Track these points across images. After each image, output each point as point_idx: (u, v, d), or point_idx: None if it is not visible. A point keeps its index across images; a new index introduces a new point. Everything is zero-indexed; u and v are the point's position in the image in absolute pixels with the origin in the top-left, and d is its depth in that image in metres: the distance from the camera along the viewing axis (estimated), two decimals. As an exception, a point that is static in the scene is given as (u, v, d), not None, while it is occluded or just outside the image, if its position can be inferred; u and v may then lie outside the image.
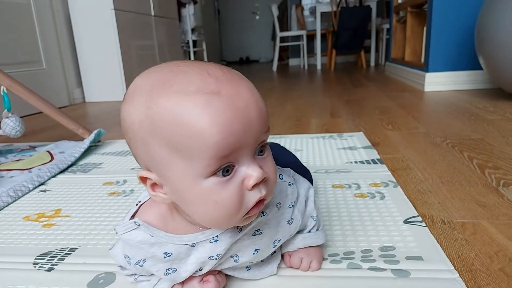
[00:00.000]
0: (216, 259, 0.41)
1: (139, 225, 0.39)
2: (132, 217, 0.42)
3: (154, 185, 0.37)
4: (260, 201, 0.36)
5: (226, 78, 0.33)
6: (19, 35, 2.00)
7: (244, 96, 0.33)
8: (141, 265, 0.41)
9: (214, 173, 0.33)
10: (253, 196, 0.35)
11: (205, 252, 0.41)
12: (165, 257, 0.40)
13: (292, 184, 0.46)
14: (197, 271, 0.43)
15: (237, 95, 0.32)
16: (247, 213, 0.35)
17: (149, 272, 0.44)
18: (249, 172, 0.34)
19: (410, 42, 2.55)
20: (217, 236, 0.40)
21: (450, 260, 0.51)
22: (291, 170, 0.49)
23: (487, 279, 0.47)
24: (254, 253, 0.44)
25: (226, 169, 0.33)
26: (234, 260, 0.43)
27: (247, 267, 0.47)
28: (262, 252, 0.45)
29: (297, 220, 0.47)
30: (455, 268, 0.49)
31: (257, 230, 0.43)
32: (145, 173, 0.36)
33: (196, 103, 0.31)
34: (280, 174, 0.46)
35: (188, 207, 0.36)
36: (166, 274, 0.42)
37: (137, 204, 0.43)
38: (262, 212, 0.42)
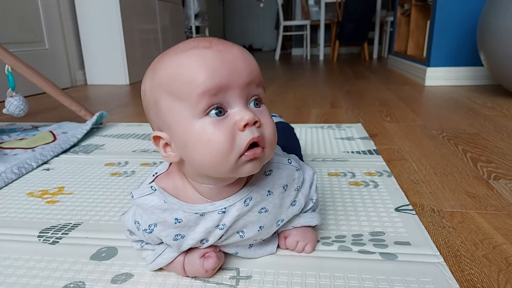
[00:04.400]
0: (222, 228, 0.44)
1: (155, 190, 0.43)
2: None
3: (165, 145, 0.41)
4: (256, 147, 0.38)
5: (220, 41, 0.39)
6: (22, 13, 2.00)
7: (233, 51, 0.38)
8: (151, 231, 0.44)
9: (206, 114, 0.37)
10: (246, 136, 0.37)
11: (212, 222, 0.44)
12: (175, 223, 0.43)
13: (299, 170, 0.49)
14: (202, 241, 0.45)
15: (226, 50, 0.37)
16: (242, 156, 0.37)
17: (155, 241, 0.46)
18: (240, 114, 0.37)
19: (413, 36, 2.55)
20: (225, 208, 0.43)
21: (436, 246, 0.53)
22: (297, 157, 0.52)
23: (470, 264, 0.49)
24: (258, 230, 0.46)
25: (219, 110, 0.37)
26: (240, 236, 0.46)
27: (249, 244, 0.50)
28: (265, 230, 0.47)
29: (300, 203, 0.49)
30: (440, 254, 0.51)
31: (263, 208, 0.45)
32: (157, 132, 0.41)
33: (190, 55, 0.37)
34: (288, 159, 0.49)
35: (189, 155, 0.39)
36: (174, 240, 0.44)
37: (153, 175, 0.46)
38: (269, 191, 0.45)
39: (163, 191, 0.43)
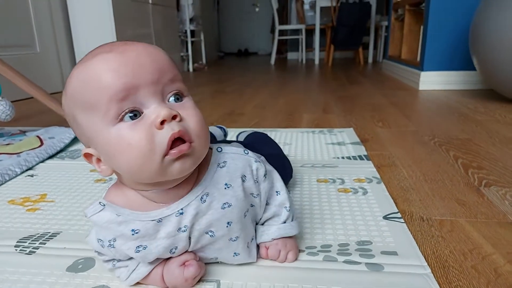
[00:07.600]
0: (184, 231, 0.43)
1: (104, 205, 0.41)
2: None
3: (98, 161, 0.40)
4: (181, 143, 0.36)
5: (123, 43, 0.38)
6: (12, 16, 1.98)
7: (136, 49, 0.36)
8: (113, 246, 0.42)
9: (120, 119, 0.36)
10: (165, 133, 0.35)
11: (172, 226, 0.42)
12: (133, 234, 0.41)
13: (259, 162, 0.47)
14: (172, 250, 0.43)
15: (129, 49, 0.36)
16: (166, 155, 0.36)
17: (124, 256, 0.44)
18: (156, 111, 0.36)
19: (407, 40, 2.55)
20: (182, 209, 0.42)
21: (424, 256, 0.52)
22: (266, 161, 0.50)
23: (458, 275, 0.48)
24: (227, 226, 0.45)
25: (133, 114, 0.36)
26: (210, 235, 0.44)
27: (234, 253, 0.47)
28: (235, 225, 0.45)
29: (264, 195, 0.48)
30: (428, 264, 0.50)
31: (225, 203, 0.44)
32: (86, 149, 0.40)
33: (92, 63, 0.36)
34: (245, 150, 0.47)
35: (115, 164, 0.38)
36: (136, 252, 0.42)
37: (107, 189, 0.44)
38: (226, 184, 0.44)
39: (112, 205, 0.42)
